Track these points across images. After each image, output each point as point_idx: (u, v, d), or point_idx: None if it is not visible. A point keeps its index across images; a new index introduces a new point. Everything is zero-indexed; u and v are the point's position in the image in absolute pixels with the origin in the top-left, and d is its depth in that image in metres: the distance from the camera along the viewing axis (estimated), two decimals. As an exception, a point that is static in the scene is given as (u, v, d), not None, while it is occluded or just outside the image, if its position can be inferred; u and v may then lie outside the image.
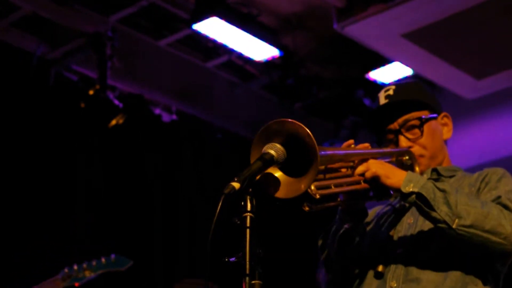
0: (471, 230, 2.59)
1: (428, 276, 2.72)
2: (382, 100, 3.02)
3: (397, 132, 2.98)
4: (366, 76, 7.48)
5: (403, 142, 2.97)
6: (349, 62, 7.42)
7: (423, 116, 2.98)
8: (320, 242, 2.97)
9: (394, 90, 3.02)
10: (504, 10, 6.02)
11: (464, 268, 2.73)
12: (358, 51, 6.84)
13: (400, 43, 6.36)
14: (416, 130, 2.98)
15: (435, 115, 3.03)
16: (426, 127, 2.99)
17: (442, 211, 2.60)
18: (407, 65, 6.97)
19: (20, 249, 5.86)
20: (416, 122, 2.98)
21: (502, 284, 2.84)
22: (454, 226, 2.59)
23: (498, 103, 7.38)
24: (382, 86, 7.43)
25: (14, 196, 6.00)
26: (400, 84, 3.11)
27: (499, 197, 2.72)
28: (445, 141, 3.09)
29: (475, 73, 6.80)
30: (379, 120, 3.03)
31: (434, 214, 2.61)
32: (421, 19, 6.05)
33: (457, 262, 2.73)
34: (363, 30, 6.15)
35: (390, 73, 7.32)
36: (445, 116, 3.09)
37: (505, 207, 2.67)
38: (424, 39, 6.31)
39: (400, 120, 2.98)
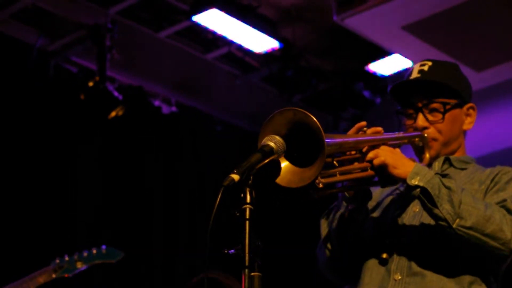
0: (471, 232, 2.57)
1: (433, 273, 2.71)
2: (415, 74, 2.97)
3: (419, 110, 2.94)
4: (366, 68, 7.48)
5: (421, 121, 2.92)
6: (349, 54, 7.42)
7: (449, 103, 2.94)
8: (322, 221, 2.96)
9: (430, 67, 2.98)
10: (504, 2, 6.01)
11: (469, 267, 2.72)
12: (358, 43, 6.83)
13: (400, 35, 6.35)
14: (438, 114, 2.93)
15: (461, 103, 2.98)
16: (448, 114, 2.94)
17: (444, 209, 2.57)
18: (407, 57, 6.96)
19: (12, 239, 5.85)
20: (440, 107, 2.93)
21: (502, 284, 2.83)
22: (454, 226, 2.56)
23: (498, 95, 7.37)
24: (381, 78, 7.54)
25: (12, 187, 6.00)
26: (437, 62, 3.04)
27: (505, 200, 2.69)
28: (464, 132, 3.04)
29: (475, 65, 6.79)
30: (405, 92, 2.98)
31: (436, 211, 2.59)
32: (421, 11, 6.05)
33: (462, 261, 2.71)
34: (363, 22, 6.14)
35: (389, 65, 7.31)
36: (471, 107, 3.03)
37: (509, 211, 2.65)
38: (424, 31, 6.31)
39: (426, 99, 2.94)
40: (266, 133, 2.37)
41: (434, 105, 2.94)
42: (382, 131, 2.75)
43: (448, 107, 2.93)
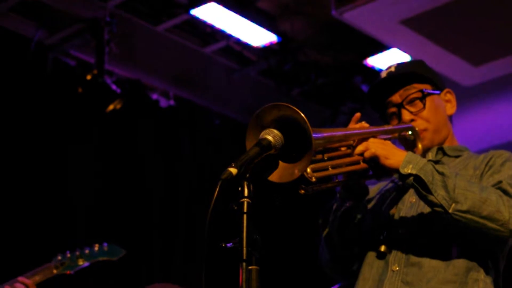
0: (467, 216, 2.57)
1: (430, 262, 2.72)
2: (384, 75, 3.02)
3: (399, 106, 2.96)
4: (364, 62, 7.47)
5: (406, 115, 2.95)
6: (347, 48, 7.41)
7: (425, 89, 2.97)
8: (321, 221, 2.97)
9: (396, 67, 3.02)
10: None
11: (466, 255, 2.72)
12: (356, 37, 6.83)
13: (398, 30, 6.35)
14: (418, 103, 2.96)
15: (437, 91, 3.01)
16: (428, 100, 2.97)
17: (439, 195, 2.58)
18: (405, 52, 6.96)
19: (12, 235, 5.84)
20: (418, 95, 2.96)
21: (503, 278, 2.83)
22: (450, 211, 2.57)
23: (495, 90, 7.37)
24: (380, 72, 7.50)
25: (9, 182, 6.00)
26: (402, 62, 3.11)
27: (500, 182, 2.70)
28: (450, 118, 3.07)
29: (473, 60, 6.79)
30: (380, 94, 3.01)
31: (431, 197, 2.59)
32: (419, 6, 6.04)
33: (459, 248, 2.72)
34: (361, 16, 6.14)
35: (388, 60, 7.30)
36: (448, 92, 3.07)
37: (505, 192, 2.65)
38: (422, 26, 6.30)
39: (402, 92, 2.97)
40: (252, 133, 2.37)
41: (413, 95, 2.97)
42: (368, 126, 2.76)
43: (426, 93, 2.97)
